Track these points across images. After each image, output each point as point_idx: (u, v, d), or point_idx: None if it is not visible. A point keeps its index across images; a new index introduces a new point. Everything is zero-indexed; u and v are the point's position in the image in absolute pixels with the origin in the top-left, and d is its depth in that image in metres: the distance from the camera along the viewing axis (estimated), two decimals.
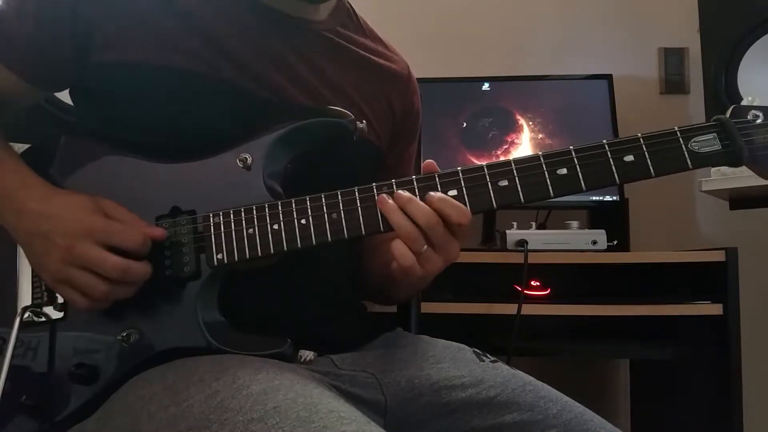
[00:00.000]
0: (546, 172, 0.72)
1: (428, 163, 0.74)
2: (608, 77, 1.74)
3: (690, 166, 0.71)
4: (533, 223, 1.59)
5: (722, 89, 1.43)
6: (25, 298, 0.79)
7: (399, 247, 0.71)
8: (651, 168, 0.71)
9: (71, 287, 0.73)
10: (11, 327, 0.75)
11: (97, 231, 0.72)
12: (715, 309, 1.35)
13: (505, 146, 1.72)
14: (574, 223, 1.53)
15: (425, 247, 0.71)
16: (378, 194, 0.72)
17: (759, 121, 0.71)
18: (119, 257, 0.72)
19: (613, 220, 1.64)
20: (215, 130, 0.80)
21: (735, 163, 0.71)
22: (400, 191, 0.72)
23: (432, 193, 0.71)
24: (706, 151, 0.71)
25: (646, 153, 0.71)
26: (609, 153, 0.71)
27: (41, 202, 0.75)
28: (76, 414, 0.75)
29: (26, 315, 0.76)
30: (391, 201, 0.71)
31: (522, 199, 0.72)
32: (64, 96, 0.91)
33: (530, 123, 1.72)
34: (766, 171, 0.71)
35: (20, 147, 0.86)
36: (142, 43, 0.79)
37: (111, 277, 0.72)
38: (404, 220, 0.70)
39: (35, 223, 0.74)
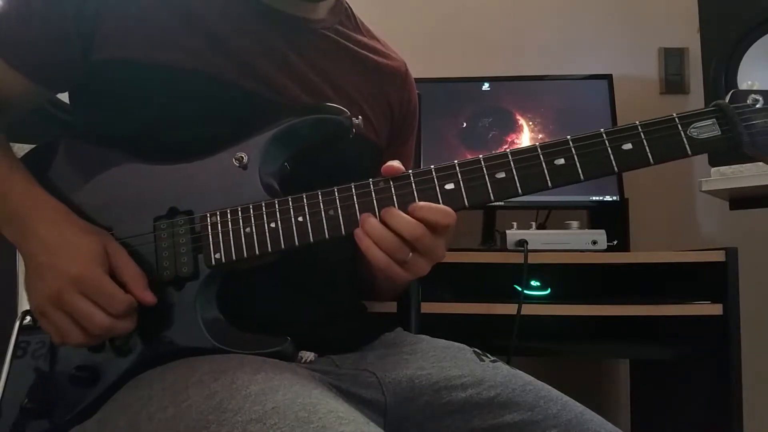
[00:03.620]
0: (543, 163, 0.71)
1: (390, 165, 0.73)
2: (608, 77, 1.74)
3: (689, 153, 0.70)
4: (533, 223, 1.59)
5: (722, 89, 1.43)
6: (25, 302, 0.79)
7: (376, 254, 0.70)
8: (650, 156, 0.70)
9: (50, 323, 0.72)
10: (11, 331, 0.75)
11: (88, 284, 0.71)
12: (715, 309, 1.35)
13: (505, 146, 1.72)
14: (574, 223, 1.52)
15: (410, 255, 0.70)
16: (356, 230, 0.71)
17: (759, 105, 0.70)
18: (106, 316, 0.70)
19: (613, 220, 1.64)
20: (215, 129, 0.80)
21: (735, 148, 0.70)
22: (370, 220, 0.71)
23: (414, 204, 0.71)
24: (705, 137, 0.70)
25: (644, 140, 0.70)
26: (607, 142, 0.71)
27: (49, 229, 0.74)
28: (76, 416, 0.74)
29: (26, 319, 0.76)
30: (364, 227, 0.70)
31: (520, 191, 0.71)
32: (64, 96, 0.91)
33: (530, 123, 1.72)
34: (766, 156, 0.70)
35: (19, 147, 0.86)
36: (142, 42, 0.79)
37: (91, 333, 0.71)
38: (384, 231, 0.70)
39: (35, 251, 0.73)
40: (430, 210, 0.70)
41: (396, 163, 0.73)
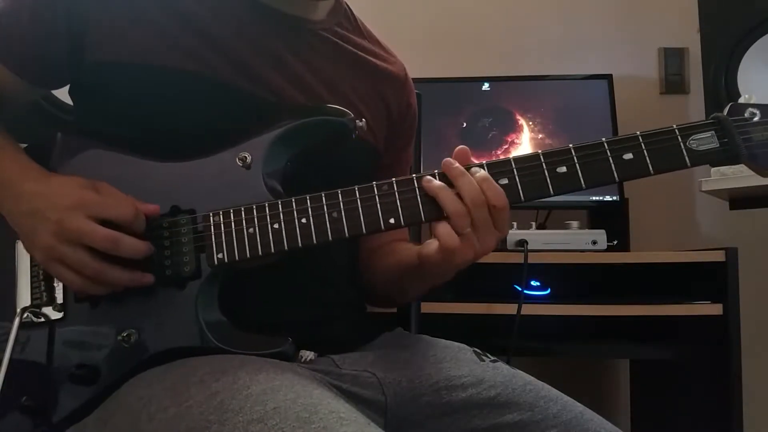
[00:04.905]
0: (546, 171, 0.72)
1: (462, 149, 0.75)
2: (608, 77, 1.75)
3: (688, 164, 0.72)
4: (533, 223, 1.60)
5: (722, 89, 1.43)
6: (24, 298, 0.79)
7: (443, 228, 0.72)
8: (650, 166, 0.71)
9: (63, 265, 0.72)
10: (10, 328, 0.75)
11: (88, 204, 0.72)
12: (715, 309, 1.35)
13: (505, 146, 1.72)
14: (574, 223, 1.53)
15: (468, 228, 0.71)
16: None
17: (756, 118, 0.72)
18: (110, 229, 0.71)
19: (613, 220, 1.65)
20: (213, 129, 0.79)
21: (733, 160, 0.71)
22: (452, 165, 0.72)
23: (475, 169, 0.72)
24: (704, 149, 0.71)
25: (645, 151, 0.71)
26: (608, 151, 0.72)
27: (37, 183, 0.75)
28: (75, 414, 0.74)
29: (25, 316, 0.76)
30: (437, 180, 0.72)
31: (522, 197, 0.72)
32: (64, 95, 0.91)
33: (530, 123, 1.72)
34: (764, 168, 0.72)
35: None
36: (138, 42, 0.79)
37: (102, 249, 0.71)
38: (453, 197, 0.71)
39: (29, 203, 0.74)
40: (487, 181, 0.71)
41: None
